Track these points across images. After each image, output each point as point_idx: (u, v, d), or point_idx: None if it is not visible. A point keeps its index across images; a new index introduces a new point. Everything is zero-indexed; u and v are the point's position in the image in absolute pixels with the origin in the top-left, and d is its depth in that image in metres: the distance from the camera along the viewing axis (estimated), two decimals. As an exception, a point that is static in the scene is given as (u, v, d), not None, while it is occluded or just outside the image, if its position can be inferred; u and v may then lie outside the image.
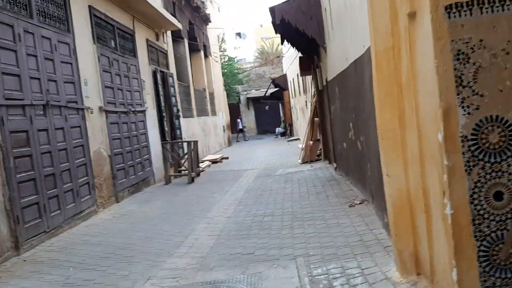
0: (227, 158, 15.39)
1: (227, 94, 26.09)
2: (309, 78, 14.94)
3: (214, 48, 21.39)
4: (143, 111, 9.73)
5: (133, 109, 9.06)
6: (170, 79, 12.09)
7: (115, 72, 8.38)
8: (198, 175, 11.03)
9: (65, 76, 6.53)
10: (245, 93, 31.08)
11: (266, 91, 26.17)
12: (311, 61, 10.85)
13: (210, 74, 19.82)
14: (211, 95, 19.70)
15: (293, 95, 22.70)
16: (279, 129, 27.96)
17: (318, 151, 11.56)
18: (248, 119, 31.89)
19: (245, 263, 4.13)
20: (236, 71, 28.91)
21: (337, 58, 6.98)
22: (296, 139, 21.62)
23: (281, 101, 26.48)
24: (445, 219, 2.51)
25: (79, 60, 6.99)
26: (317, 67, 9.86)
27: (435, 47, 2.39)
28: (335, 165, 8.87)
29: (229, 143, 22.75)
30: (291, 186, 8.12)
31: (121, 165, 8.12)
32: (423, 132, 2.72)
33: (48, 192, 5.70)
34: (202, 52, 18.13)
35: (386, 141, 3.14)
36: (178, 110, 12.34)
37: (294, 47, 10.78)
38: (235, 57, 31.78)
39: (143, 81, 9.99)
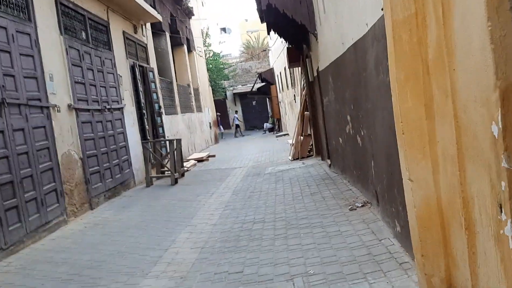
0: (213, 156, 14.64)
1: (213, 90, 25.30)
2: (297, 70, 14.25)
3: (198, 42, 20.57)
4: (121, 109, 8.94)
5: (108, 107, 8.26)
6: (151, 74, 11.29)
7: (87, 66, 7.57)
8: (182, 175, 10.28)
9: (26, 71, 5.72)
10: (231, 88, 30.26)
11: (253, 86, 25.41)
12: (299, 51, 10.15)
13: (194, 69, 19.00)
14: (196, 91, 18.90)
15: (281, 89, 22.01)
16: (267, 125, 27.24)
17: (309, 147, 10.89)
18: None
19: (232, 287, 3.42)
20: (222, 66, 28.05)
21: (330, 45, 6.28)
22: (284, 135, 20.94)
23: (269, 96, 25.77)
24: (501, 241, 1.83)
25: (42, 52, 6.17)
26: (307, 57, 9.16)
27: (488, 4, 1.69)
28: (329, 162, 8.20)
29: (216, 140, 21.99)
30: (282, 186, 7.43)
31: (95, 168, 7.33)
32: (464, 124, 2.03)
33: (5, 203, 4.91)
34: (185, 47, 17.30)
35: (407, 136, 2.44)
36: (160, 107, 11.55)
37: (282, 37, 10.06)
38: (220, 52, 30.94)
39: (120, 76, 9.19)
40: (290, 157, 11.19)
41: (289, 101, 18.77)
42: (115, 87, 8.83)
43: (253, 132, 29.72)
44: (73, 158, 6.66)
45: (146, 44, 11.65)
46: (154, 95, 11.32)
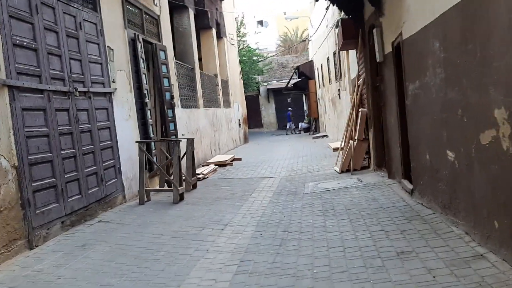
0: (239, 159, 11.83)
1: (245, 84, 22.51)
2: (347, 57, 11.24)
3: (230, 28, 17.82)
4: (107, 94, 6.24)
5: (84, 89, 5.57)
6: (162, 54, 8.58)
7: (44, 24, 4.89)
8: (193, 186, 7.52)
9: None
10: (265, 83, 27.35)
11: (289, 81, 22.45)
12: (358, 24, 7.16)
13: (224, 58, 16.25)
14: (225, 83, 16.15)
15: (321, 84, 18.95)
16: (302, 124, 24.21)
17: (364, 156, 7.89)
18: (268, 112, 28.21)
19: None
20: (256, 58, 25.16)
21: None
22: (323, 136, 17.89)
23: (306, 92, 22.74)
24: None
25: None
26: (373, 27, 6.15)
27: None
28: (408, 185, 5.17)
29: (246, 139, 19.18)
30: (336, 224, 4.49)
31: (47, 181, 4.63)
32: None
33: None
34: (214, 31, 14.56)
35: None
36: (172, 97, 8.82)
37: (334, 3, 7.09)
38: (256, 44, 27.98)
39: (111, 49, 6.49)
40: (336, 168, 8.22)
41: (331, 98, 15.72)
42: (100, 63, 6.13)
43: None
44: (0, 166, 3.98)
45: (158, 16, 8.94)
46: (165, 81, 8.60)
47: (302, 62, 24.23)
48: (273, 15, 35.42)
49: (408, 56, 4.66)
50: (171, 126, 8.68)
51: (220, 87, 14.88)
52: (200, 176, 8.76)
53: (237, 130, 17.50)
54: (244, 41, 24.23)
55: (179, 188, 6.48)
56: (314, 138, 17.99)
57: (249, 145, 18.04)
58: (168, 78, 8.75)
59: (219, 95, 14.66)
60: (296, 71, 21.63)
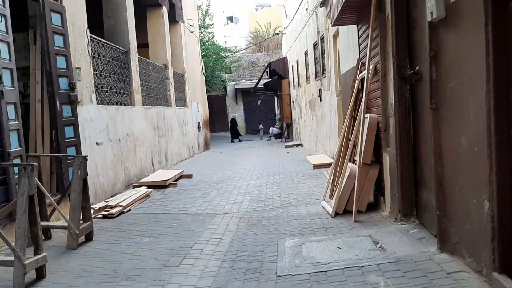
0: (189, 176, 8.62)
1: (209, 81, 19.32)
2: (331, 47, 8.33)
3: (190, 13, 14.57)
4: None
5: None
6: (56, 19, 5.29)
7: None
8: (88, 237, 4.28)
9: None
10: (233, 83, 24.15)
11: (259, 80, 19.38)
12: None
13: (180, 48, 13.01)
14: (179, 77, 12.90)
15: (296, 84, 15.99)
16: (273, 130, 21.18)
17: (372, 188, 4.84)
18: (236, 115, 24.99)
19: None
20: (223, 53, 21.89)
21: None
22: (297, 145, 14.90)
23: (278, 93, 19.74)
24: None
25: None
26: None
27: None
28: (482, 262, 2.11)
29: (207, 146, 15.95)
30: None
31: None
32: None
33: None
34: (165, 10, 11.29)
35: None
36: (72, 86, 5.53)
37: None
38: (225, 42, 24.78)
39: None
40: (326, 204, 5.16)
41: (309, 100, 12.75)
42: None
43: (255, 137, 23.64)
44: None
45: (55, -39, 5.63)
46: (61, 61, 5.31)
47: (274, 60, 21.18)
48: (244, 11, 32.34)
49: None
50: (69, 131, 5.38)
51: (171, 81, 11.61)
52: (115, 210, 5.52)
53: (195, 135, 14.25)
54: (209, 33, 20.98)
55: (36, 258, 3.23)
56: (287, 147, 14.95)
57: (209, 153, 14.82)
58: (67, 57, 5.46)
59: (169, 90, 11.40)
60: (268, 69, 18.58)
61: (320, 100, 10.65)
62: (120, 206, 5.71)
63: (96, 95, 6.65)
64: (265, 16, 27.48)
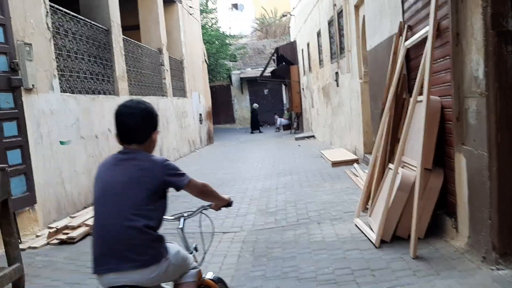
0: (185, 178, 7.15)
1: (212, 70, 17.77)
2: (352, 20, 6.73)
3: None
4: None
5: None
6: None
7: None
8: (17, 287, 2.85)
9: None
10: (238, 71, 22.55)
11: (265, 67, 17.80)
12: None
13: (177, 31, 11.50)
14: (177, 64, 11.41)
15: (306, 70, 14.40)
16: (282, 120, 19.61)
17: (433, 204, 3.33)
18: (241, 105, 23.39)
19: None
20: (227, 40, 20.23)
21: None
22: (308, 137, 13.37)
23: (286, 81, 18.15)
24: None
25: None
26: None
27: None
28: None
29: (210, 139, 14.49)
30: None
31: None
32: None
33: None
34: (158, -13, 9.77)
35: None
36: (14, 67, 4.06)
37: None
38: (230, 28, 23.14)
39: None
40: (362, 223, 3.67)
41: (323, 86, 11.19)
42: None
43: (265, 128, 22.04)
44: None
45: None
46: (-2, 34, 3.85)
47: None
48: (250, -3, 30.55)
49: None
50: (10, 129, 3.92)
51: (167, 68, 10.12)
52: (77, 232, 4.10)
53: (197, 128, 12.78)
54: (213, 18, 19.37)
55: None
56: (297, 139, 13.42)
57: (212, 148, 13.35)
58: (5, 27, 3.97)
59: (164, 78, 9.91)
60: (275, 55, 16.99)
61: (337, 85, 9.10)
62: (87, 225, 4.27)
63: (61, 81, 5.20)
64: (271, 0, 25.80)
